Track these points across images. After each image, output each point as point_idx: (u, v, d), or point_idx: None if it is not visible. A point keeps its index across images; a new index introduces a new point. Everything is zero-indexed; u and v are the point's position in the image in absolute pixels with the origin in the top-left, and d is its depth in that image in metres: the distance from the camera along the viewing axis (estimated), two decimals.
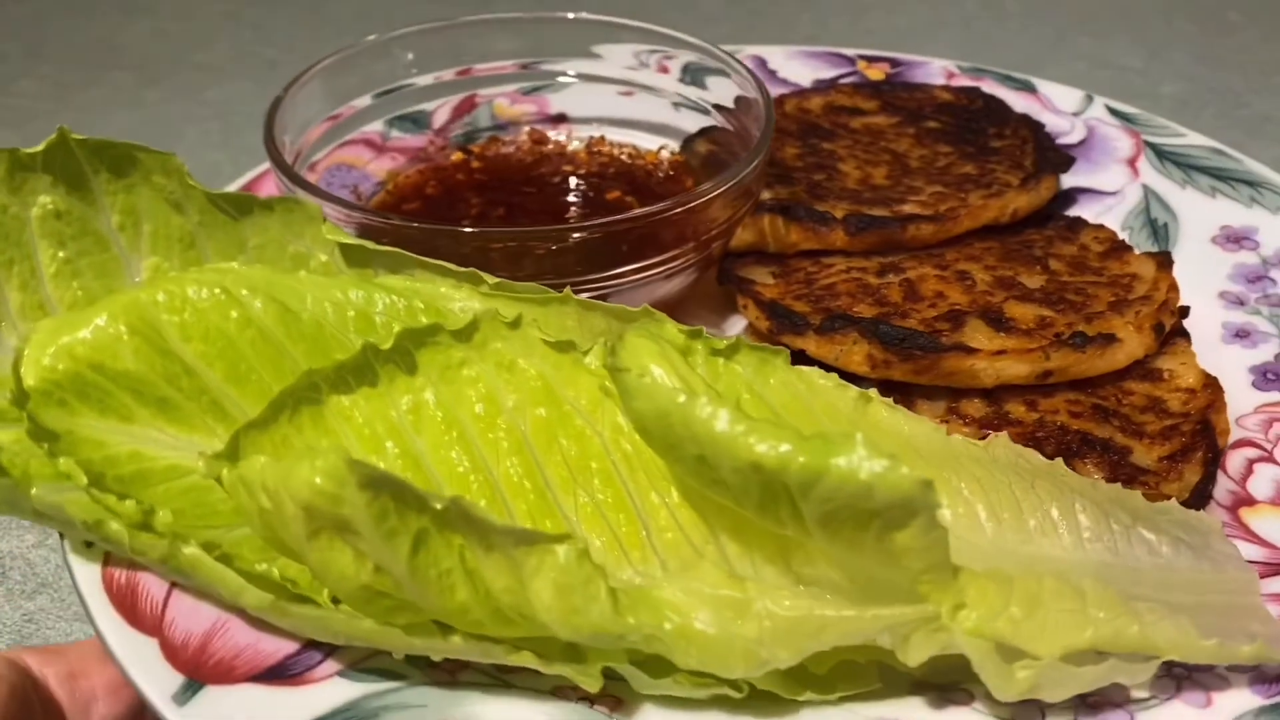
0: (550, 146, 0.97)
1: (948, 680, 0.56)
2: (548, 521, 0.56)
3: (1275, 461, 0.69)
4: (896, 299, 0.78)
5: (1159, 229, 0.90)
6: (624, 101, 1.00)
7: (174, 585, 0.60)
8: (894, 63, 1.11)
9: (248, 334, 0.61)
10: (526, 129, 0.99)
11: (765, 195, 0.86)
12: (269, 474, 0.48)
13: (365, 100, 0.95)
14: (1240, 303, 0.82)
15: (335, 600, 0.54)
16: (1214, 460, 0.68)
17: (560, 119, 1.02)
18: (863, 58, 1.12)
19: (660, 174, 0.93)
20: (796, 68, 1.11)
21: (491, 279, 0.66)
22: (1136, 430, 0.70)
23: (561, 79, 1.01)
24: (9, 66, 1.33)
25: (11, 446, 0.58)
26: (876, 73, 1.10)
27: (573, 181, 0.92)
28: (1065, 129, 0.99)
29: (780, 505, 0.49)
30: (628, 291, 0.76)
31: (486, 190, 0.91)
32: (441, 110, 1.00)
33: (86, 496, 0.54)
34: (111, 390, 0.60)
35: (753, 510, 0.50)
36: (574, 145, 0.97)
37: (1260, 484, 0.68)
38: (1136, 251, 0.83)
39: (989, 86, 1.05)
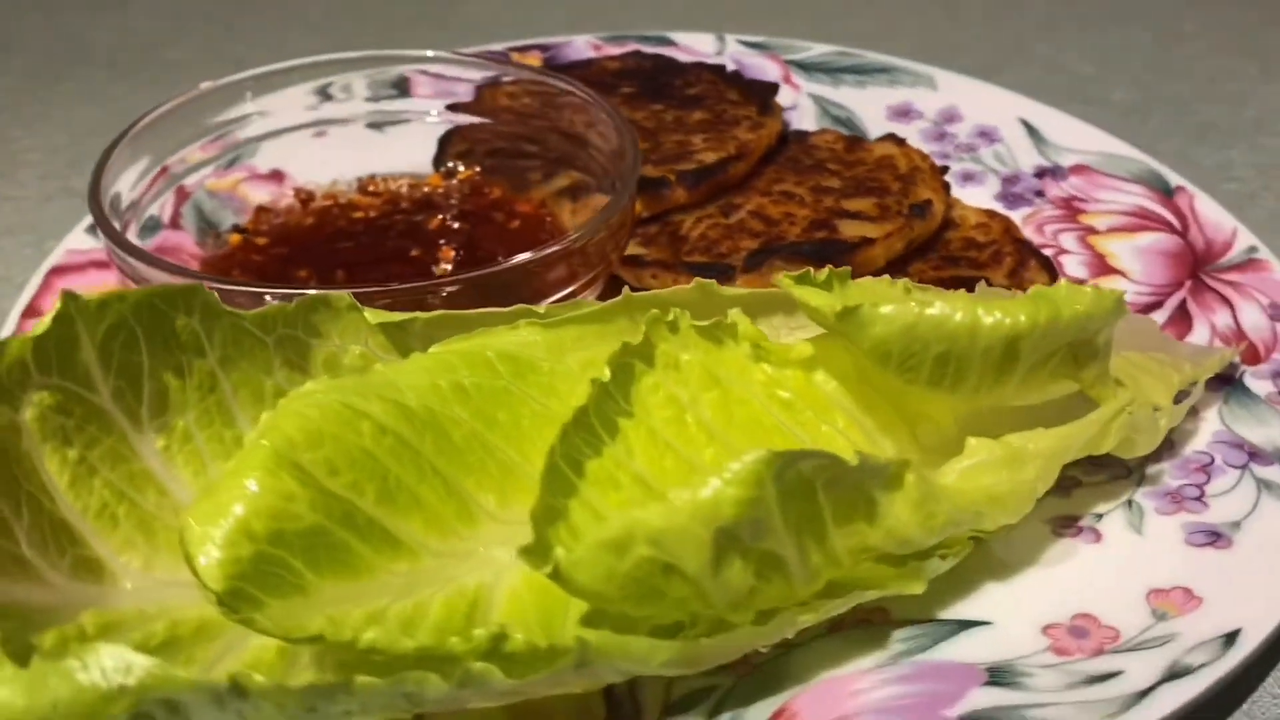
0: (322, 200, 0.91)
1: None
2: None
3: (1068, 251, 0.91)
4: (760, 228, 0.88)
5: (846, 122, 1.08)
6: (321, 141, 0.96)
7: None
8: (544, 48, 1.18)
9: (385, 443, 0.55)
10: (291, 190, 0.92)
11: (570, 175, 0.92)
12: (656, 517, 0.47)
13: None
14: (945, 157, 1.03)
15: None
16: (1049, 262, 0.88)
17: (276, 176, 0.95)
18: (513, 49, 1.17)
19: (461, 193, 0.92)
20: (457, 71, 1.13)
21: (540, 308, 0.64)
22: (979, 264, 0.88)
23: (252, 141, 0.94)
24: None
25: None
26: (534, 60, 1.16)
27: (384, 224, 0.88)
28: None
29: (992, 370, 0.58)
30: None
31: (300, 260, 0.84)
32: (165, 209, 0.88)
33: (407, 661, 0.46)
34: (287, 562, 0.50)
35: (969, 386, 0.58)
36: (345, 194, 0.92)
37: (1073, 267, 0.89)
38: (870, 139, 1.01)
39: (633, 46, 1.17)
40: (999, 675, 0.57)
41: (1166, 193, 0.94)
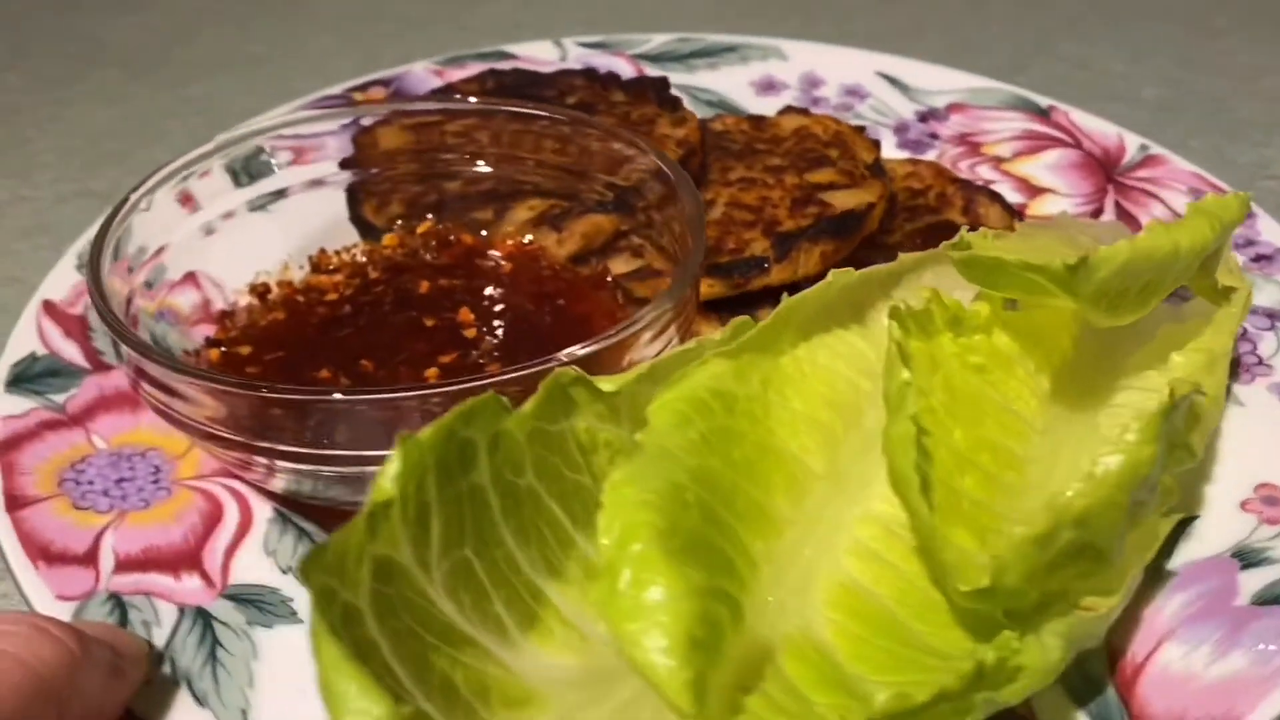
0: (282, 290, 0.80)
1: None
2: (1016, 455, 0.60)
3: (992, 181, 0.98)
4: (749, 217, 0.87)
5: (721, 105, 1.10)
6: (220, 237, 0.84)
7: None
8: (384, 83, 1.09)
9: (703, 514, 0.51)
10: (245, 287, 0.79)
11: (532, 205, 0.87)
12: (1079, 498, 0.46)
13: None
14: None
15: None
16: (993, 193, 0.94)
17: (190, 278, 0.82)
18: (351, 90, 1.08)
19: (427, 247, 0.83)
20: (314, 127, 1.01)
21: (716, 336, 0.61)
22: (935, 210, 0.93)
23: (155, 263, 0.80)
24: None
25: None
26: (377, 95, 1.07)
27: (369, 300, 0.78)
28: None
29: (1167, 285, 0.63)
30: None
31: (307, 361, 0.73)
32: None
33: None
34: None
35: (1149, 307, 0.62)
36: (302, 279, 0.81)
37: (1006, 194, 0.96)
38: (772, 114, 1.03)
39: (477, 67, 1.11)
40: (1246, 556, 0.62)
41: (1041, 113, 1.04)
